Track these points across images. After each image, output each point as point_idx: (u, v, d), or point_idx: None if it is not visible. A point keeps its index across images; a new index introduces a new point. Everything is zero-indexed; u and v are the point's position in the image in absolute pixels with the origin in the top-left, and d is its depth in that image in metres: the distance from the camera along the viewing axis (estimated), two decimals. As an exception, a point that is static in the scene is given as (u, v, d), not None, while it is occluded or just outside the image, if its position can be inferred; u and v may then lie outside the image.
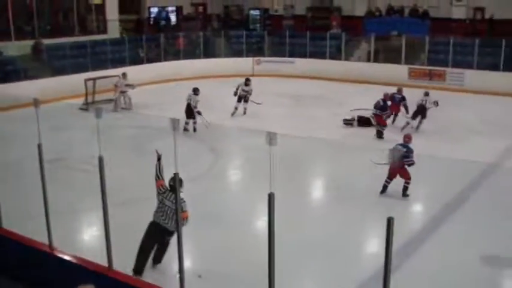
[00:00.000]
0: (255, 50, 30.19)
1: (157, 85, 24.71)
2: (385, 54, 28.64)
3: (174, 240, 7.31)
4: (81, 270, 6.58)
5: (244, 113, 19.81)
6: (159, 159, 8.53)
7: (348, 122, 18.19)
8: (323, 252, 9.12)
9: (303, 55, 29.08)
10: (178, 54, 28.63)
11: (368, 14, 31.42)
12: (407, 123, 17.51)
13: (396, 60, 27.21)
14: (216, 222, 10.26)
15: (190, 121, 17.19)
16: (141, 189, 11.77)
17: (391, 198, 11.23)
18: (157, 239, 8.36)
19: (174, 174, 6.57)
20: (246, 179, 13.48)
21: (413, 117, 17.53)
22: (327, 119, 18.89)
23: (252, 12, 34.69)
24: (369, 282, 8.01)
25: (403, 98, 18.18)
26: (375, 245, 9.16)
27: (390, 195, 11.31)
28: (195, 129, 17.25)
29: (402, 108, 18.12)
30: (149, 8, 32.54)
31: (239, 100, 19.69)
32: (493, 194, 11.96)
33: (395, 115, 18.55)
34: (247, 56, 29.46)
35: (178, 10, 34.26)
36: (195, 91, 17.35)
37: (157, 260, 8.59)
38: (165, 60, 27.68)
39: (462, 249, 9.21)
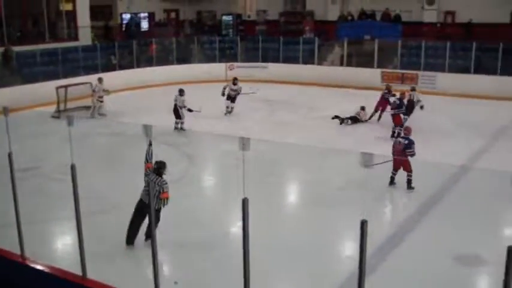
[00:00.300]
0: (228, 56, 30.17)
1: (131, 92, 24.56)
2: (358, 58, 28.84)
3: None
4: (55, 279, 6.47)
5: (231, 112, 20.48)
6: (150, 144, 9.34)
7: (339, 119, 18.90)
8: (299, 255, 9.10)
9: (276, 60, 29.16)
10: (151, 60, 28.45)
11: (340, 18, 31.62)
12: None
13: (369, 64, 27.43)
14: (191, 228, 10.21)
15: (179, 121, 17.95)
16: (115, 196, 11.72)
17: (367, 200, 11.28)
18: (143, 215, 9.11)
19: (157, 162, 8.64)
20: (220, 184, 13.43)
21: (408, 113, 17.80)
22: (301, 123, 18.95)
23: (225, 17, 34.68)
24: (345, 284, 8.01)
25: (388, 96, 18.87)
26: (350, 248, 9.18)
27: (367, 197, 11.36)
28: (182, 128, 17.96)
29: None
30: (121, 14, 32.34)
31: (228, 98, 20.47)
32: (465, 194, 12.08)
33: (382, 111, 19.13)
34: (220, 62, 29.42)
35: (151, 16, 34.13)
36: (181, 92, 18.02)
37: (149, 235, 8.89)
38: (138, 66, 27.50)
39: (436, 249, 9.27)
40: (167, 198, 8.94)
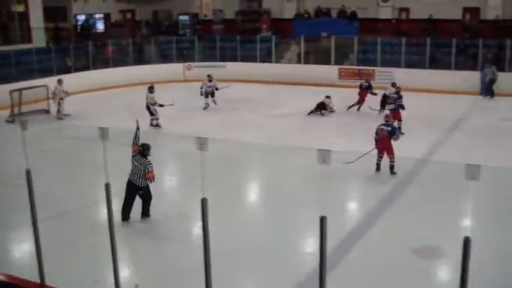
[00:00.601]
0: (186, 56, 30.04)
1: (87, 94, 24.19)
2: (315, 56, 29.01)
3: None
4: (12, 288, 6.34)
5: (215, 103, 21.33)
6: (137, 128, 10.66)
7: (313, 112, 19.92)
8: (260, 253, 9.11)
9: (234, 59, 29.14)
10: (107, 62, 28.09)
11: (297, 16, 31.73)
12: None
13: (326, 61, 27.63)
14: (151, 230, 10.14)
15: (154, 117, 18.26)
16: (72, 200, 11.56)
17: (327, 197, 11.33)
18: (133, 193, 10.20)
19: (142, 144, 10.13)
20: (179, 185, 13.38)
21: (382, 106, 19.15)
22: (261, 122, 18.97)
23: (182, 17, 34.45)
24: (307, 282, 8.04)
25: (370, 86, 20.37)
26: (312, 244, 9.21)
27: (327, 194, 11.41)
28: (157, 125, 18.27)
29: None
30: (75, 15, 31.84)
31: (206, 96, 21.23)
32: (423, 187, 12.27)
33: (362, 102, 20.28)
34: (178, 62, 29.30)
35: (106, 17, 33.70)
36: (150, 89, 18.31)
37: (144, 214, 10.42)
38: (94, 68, 27.05)
39: (397, 242, 9.39)
40: (153, 177, 10.04)
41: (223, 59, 29.37)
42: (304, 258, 8.94)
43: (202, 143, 5.12)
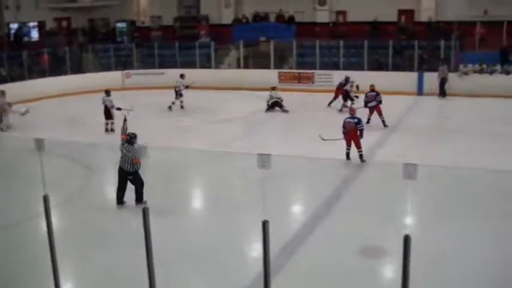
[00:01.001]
0: (124, 63, 29.68)
1: (23, 104, 23.57)
2: (255, 60, 29.12)
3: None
4: None
5: (182, 107, 22.10)
6: (125, 120, 12.15)
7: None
8: (205, 259, 9.04)
9: (173, 65, 28.95)
10: (44, 71, 27.44)
11: (235, 21, 31.76)
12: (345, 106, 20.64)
13: (266, 65, 27.76)
14: (94, 240, 9.93)
15: (110, 121, 18.30)
16: (7, 213, 11.26)
17: (270, 201, 11.36)
18: (124, 178, 11.20)
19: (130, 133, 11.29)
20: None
21: (344, 100, 21.09)
22: (202, 128, 18.90)
23: (119, 24, 34.00)
24: (252, 287, 8.02)
25: (345, 85, 21.44)
26: (256, 249, 9.20)
27: (270, 197, 11.45)
28: (112, 129, 18.20)
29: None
30: (8, 23, 30.98)
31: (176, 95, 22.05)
32: (365, 188, 12.44)
33: (335, 98, 21.74)
34: (116, 70, 28.91)
35: (40, 25, 32.94)
36: (107, 92, 18.52)
37: (138, 200, 11.10)
38: (30, 78, 26.36)
39: (340, 244, 9.46)
40: (139, 163, 10.90)
41: (162, 65, 29.16)
42: (249, 263, 8.91)
43: (142, 151, 5.06)
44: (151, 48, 30.45)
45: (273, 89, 22.25)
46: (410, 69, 25.57)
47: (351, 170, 13.69)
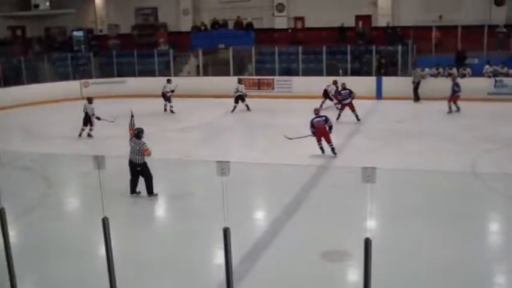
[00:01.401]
0: (83, 72, 29.35)
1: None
2: (214, 67, 29.13)
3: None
4: None
5: (172, 111, 22.95)
6: (132, 116, 13.15)
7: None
8: (169, 268, 8.95)
9: (132, 74, 28.77)
10: (-2, 82, 26.95)
11: (194, 29, 31.71)
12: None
13: (225, 73, 27.76)
14: (54, 252, 9.74)
15: (87, 128, 18.57)
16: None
17: (232, 208, 11.34)
18: (134, 170, 12.23)
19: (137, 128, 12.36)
20: (80, 206, 12.95)
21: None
22: (163, 136, 18.74)
23: (76, 33, 33.63)
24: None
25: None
26: (219, 256, 9.14)
27: (231, 204, 11.44)
28: (89, 135, 18.57)
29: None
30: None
31: (165, 99, 22.98)
32: (326, 192, 12.48)
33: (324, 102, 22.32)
34: (74, 79, 28.58)
35: (-7, 35, 32.35)
36: (89, 100, 18.68)
37: (149, 191, 12.29)
38: (-16, 89, 25.90)
39: (304, 248, 9.45)
40: (148, 154, 12.07)
41: (121, 74, 28.96)
42: (212, 270, 8.85)
43: (99, 161, 4.97)
44: (109, 56, 30.25)
45: (240, 82, 23.47)
46: (369, 74, 25.87)
47: (312, 175, 13.72)
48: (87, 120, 18.49)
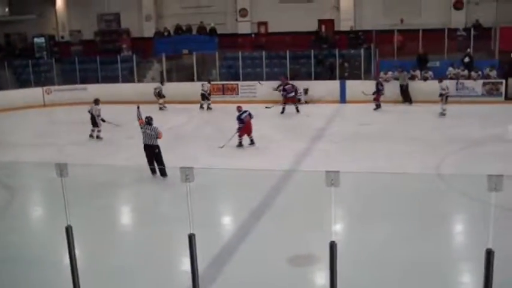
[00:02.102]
0: (44, 79, 28.95)
1: None
2: (178, 73, 29.02)
3: None
4: None
5: (160, 108, 25.05)
6: (138, 107, 14.91)
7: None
8: (134, 276, 8.87)
9: (95, 80, 28.51)
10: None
11: (157, 34, 31.55)
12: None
13: (189, 78, 27.68)
14: (19, 263, 9.58)
15: (96, 129, 19.05)
16: None
17: (197, 213, 11.30)
18: (150, 152, 13.93)
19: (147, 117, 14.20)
20: (44, 215, 12.76)
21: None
22: (125, 143, 18.59)
23: (37, 39, 33.15)
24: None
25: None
26: (184, 263, 9.08)
27: (197, 210, 11.41)
28: (98, 137, 19.08)
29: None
30: None
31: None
32: (292, 197, 12.51)
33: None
34: (36, 86, 28.14)
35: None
36: (96, 101, 19.13)
37: (163, 174, 13.95)
38: None
39: (271, 253, 9.46)
40: (161, 136, 14.00)
41: (84, 81, 28.67)
42: (178, 277, 8.80)
43: (62, 169, 4.91)
44: (71, 63, 29.93)
45: (209, 82, 25.45)
46: (333, 78, 26.06)
47: (277, 180, 13.73)
48: (94, 121, 18.96)
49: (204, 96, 24.99)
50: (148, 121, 14.17)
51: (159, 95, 25.46)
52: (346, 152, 16.20)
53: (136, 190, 13.93)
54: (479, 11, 27.49)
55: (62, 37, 34.34)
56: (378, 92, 23.13)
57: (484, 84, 24.02)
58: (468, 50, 25.12)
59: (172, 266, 9.45)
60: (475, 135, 17.52)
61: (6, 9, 32.78)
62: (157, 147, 13.95)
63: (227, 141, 16.67)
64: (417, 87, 24.37)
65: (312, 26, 29.73)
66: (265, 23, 31.37)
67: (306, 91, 25.12)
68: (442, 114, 20.93)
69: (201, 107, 25.07)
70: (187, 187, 4.24)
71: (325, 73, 26.71)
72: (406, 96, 24.50)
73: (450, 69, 24.61)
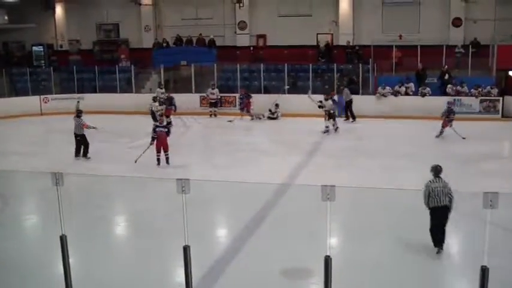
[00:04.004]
0: (42, 88, 28.91)
1: None
2: (176, 84, 29.04)
3: None
4: None
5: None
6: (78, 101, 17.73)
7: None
8: (128, 287, 8.85)
9: (92, 90, 28.50)
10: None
11: (156, 45, 31.56)
12: None
13: (188, 89, 27.68)
14: (12, 271, 9.51)
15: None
16: None
17: (192, 226, 11.29)
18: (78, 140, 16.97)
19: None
20: (37, 223, 12.70)
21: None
22: (122, 153, 18.56)
23: (35, 48, 33.19)
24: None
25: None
26: (179, 275, 9.03)
27: (192, 222, 11.40)
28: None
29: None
30: None
31: (160, 104, 23.67)
32: (287, 210, 12.48)
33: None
34: (33, 95, 28.10)
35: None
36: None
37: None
38: None
39: (265, 266, 9.44)
40: (88, 127, 16.92)
41: (81, 90, 28.64)
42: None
43: (57, 177, 4.90)
44: (69, 72, 29.91)
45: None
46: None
47: (272, 193, 13.70)
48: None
49: (213, 104, 25.70)
50: (78, 113, 17.40)
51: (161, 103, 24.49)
52: (342, 166, 16.17)
53: (131, 201, 13.89)
54: (477, 28, 27.58)
55: (61, 46, 34.34)
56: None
57: (482, 101, 24.06)
58: (445, 66, 25.21)
59: (166, 278, 9.41)
60: (471, 152, 17.53)
61: (6, 17, 32.78)
62: (82, 136, 17.18)
63: (140, 155, 16.53)
64: (415, 103, 24.36)
65: (311, 40, 29.80)
66: (264, 36, 31.44)
67: (276, 106, 25.06)
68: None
69: (212, 115, 25.84)
70: (183, 198, 4.23)
71: (324, 87, 26.65)
72: (349, 113, 24.40)
73: (449, 85, 24.57)
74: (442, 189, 9.63)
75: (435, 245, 9.65)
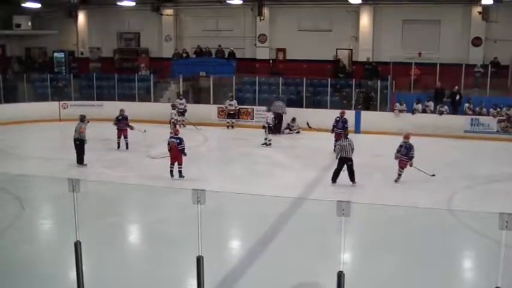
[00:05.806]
0: (62, 94, 29.15)
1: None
2: (195, 95, 29.15)
3: None
4: None
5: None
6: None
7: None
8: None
9: (111, 98, 28.65)
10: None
11: (175, 55, 31.74)
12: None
13: (206, 100, 27.78)
14: (26, 275, 9.59)
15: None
16: None
17: (207, 236, 11.30)
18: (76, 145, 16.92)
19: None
20: (53, 228, 12.79)
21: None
22: (139, 161, 18.67)
23: (57, 54, 33.57)
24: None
25: None
26: (191, 285, 9.04)
27: (207, 233, 11.40)
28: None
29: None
30: None
31: (179, 114, 24.64)
32: (300, 224, 12.46)
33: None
34: (53, 100, 28.34)
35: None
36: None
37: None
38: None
39: (277, 279, 9.43)
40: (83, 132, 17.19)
41: (100, 97, 28.84)
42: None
43: (74, 184, 4.95)
44: (89, 79, 30.14)
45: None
46: (348, 107, 25.98)
47: (287, 207, 13.69)
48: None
49: (231, 115, 26.12)
50: (81, 118, 17.80)
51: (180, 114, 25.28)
52: (358, 182, 16.09)
53: (146, 209, 13.94)
54: (497, 48, 27.40)
55: (82, 53, 34.66)
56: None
57: (499, 121, 23.91)
58: (456, 87, 25.03)
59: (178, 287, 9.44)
60: (488, 172, 17.42)
61: (29, 24, 33.14)
62: (81, 141, 17.43)
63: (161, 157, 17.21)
64: (432, 121, 24.24)
65: (330, 55, 29.83)
66: (283, 50, 31.50)
67: (293, 120, 25.09)
68: None
69: (229, 126, 26.27)
70: (198, 209, 4.25)
71: (344, 102, 26.60)
72: (276, 128, 24.33)
73: (466, 104, 24.48)
74: (348, 146, 15.55)
75: (333, 181, 15.58)
